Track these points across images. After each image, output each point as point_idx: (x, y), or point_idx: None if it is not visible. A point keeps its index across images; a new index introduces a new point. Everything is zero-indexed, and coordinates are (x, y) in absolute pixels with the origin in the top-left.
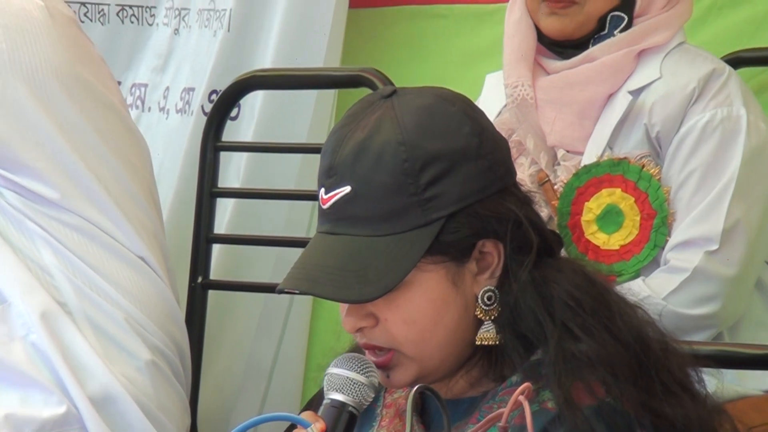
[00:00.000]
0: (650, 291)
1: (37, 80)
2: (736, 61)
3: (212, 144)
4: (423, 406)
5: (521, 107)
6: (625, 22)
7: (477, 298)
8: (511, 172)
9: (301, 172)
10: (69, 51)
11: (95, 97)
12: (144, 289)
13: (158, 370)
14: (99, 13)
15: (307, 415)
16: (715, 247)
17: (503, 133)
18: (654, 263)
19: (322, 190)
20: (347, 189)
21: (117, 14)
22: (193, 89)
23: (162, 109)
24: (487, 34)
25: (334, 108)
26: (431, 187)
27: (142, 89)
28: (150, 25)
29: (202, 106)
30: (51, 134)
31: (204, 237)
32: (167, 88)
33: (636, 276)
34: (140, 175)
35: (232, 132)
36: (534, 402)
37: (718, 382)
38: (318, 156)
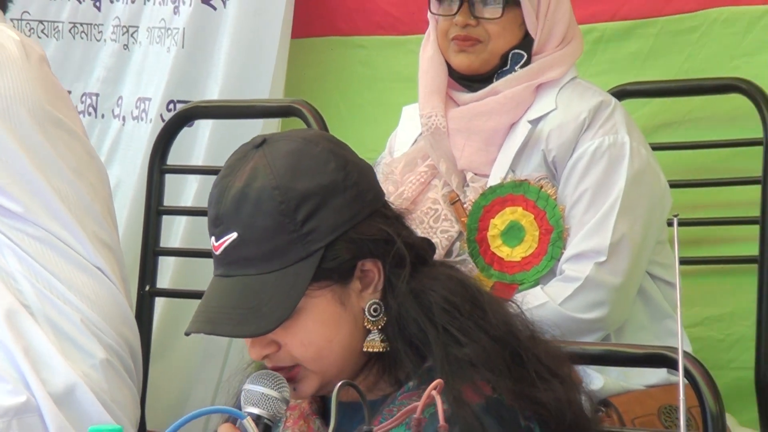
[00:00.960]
0: (548, 297)
1: (8, 108)
2: (622, 93)
3: (158, 167)
4: (324, 408)
5: (435, 135)
6: (524, 59)
7: (364, 311)
8: (379, 195)
9: None
10: (39, 85)
11: (59, 125)
12: (99, 294)
13: (112, 367)
14: (54, 29)
15: (226, 427)
16: (603, 258)
17: (419, 159)
18: (551, 273)
19: (213, 238)
20: (234, 235)
21: (69, 31)
22: (149, 99)
23: (117, 116)
24: (401, 62)
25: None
26: (308, 223)
27: (93, 98)
28: (98, 40)
29: (161, 115)
30: (17, 155)
31: (151, 250)
32: (120, 98)
33: (536, 284)
34: (98, 194)
35: (190, 135)
36: (430, 405)
37: (605, 379)
38: None
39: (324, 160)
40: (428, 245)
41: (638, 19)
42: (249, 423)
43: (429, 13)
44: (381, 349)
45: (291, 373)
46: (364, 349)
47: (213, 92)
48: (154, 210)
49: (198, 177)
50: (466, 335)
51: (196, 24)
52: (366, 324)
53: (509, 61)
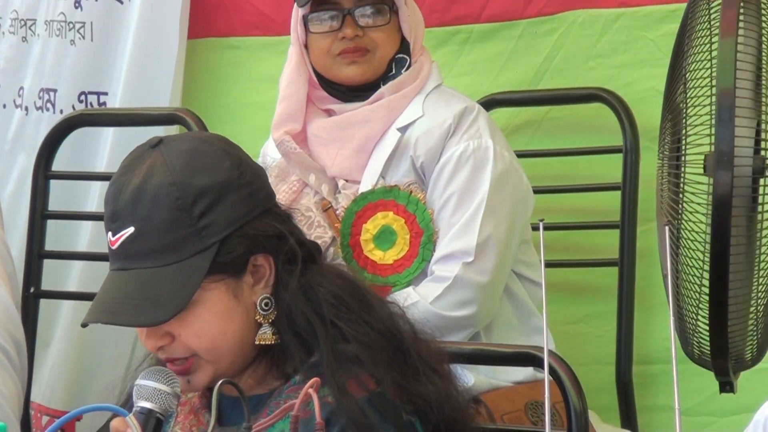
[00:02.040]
0: (419, 297)
1: None
2: (490, 102)
3: (43, 174)
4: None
5: (292, 157)
6: (408, 63)
7: (256, 304)
8: (271, 195)
9: None
10: None
11: None
12: None
13: None
14: None
15: (118, 422)
16: (470, 259)
17: (284, 176)
18: (423, 274)
19: (110, 233)
20: (131, 230)
21: None
22: (54, 90)
23: (19, 106)
24: (273, 62)
25: None
26: (203, 218)
27: None
28: None
29: (73, 105)
30: None
31: (36, 253)
32: (21, 88)
33: (408, 285)
34: None
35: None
36: (309, 401)
37: (475, 376)
38: None
39: (219, 159)
40: (316, 247)
41: (502, 22)
42: (132, 420)
43: (299, 36)
44: (272, 342)
45: (185, 365)
46: (256, 342)
47: (118, 85)
48: (39, 214)
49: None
50: (352, 330)
51: (103, 18)
52: (257, 317)
53: (394, 66)
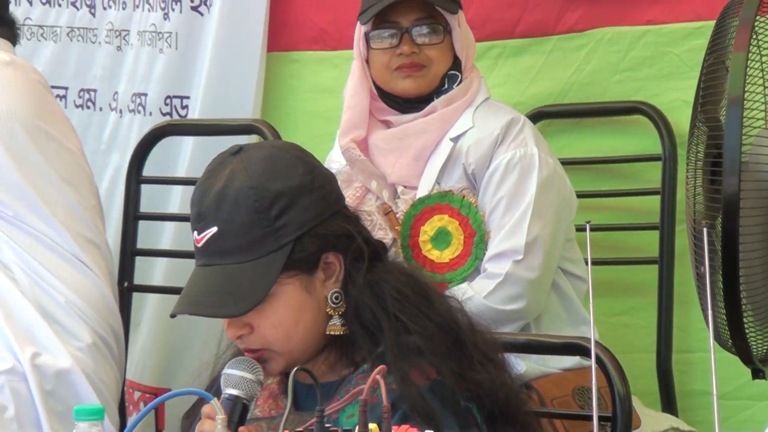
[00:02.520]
0: (474, 292)
1: (2, 124)
2: (539, 114)
3: (135, 179)
4: (293, 390)
5: (356, 164)
6: (459, 78)
7: (327, 298)
8: (341, 198)
9: None
10: (33, 104)
11: (51, 139)
12: (84, 284)
13: (99, 351)
14: (52, 33)
15: (209, 408)
16: (520, 257)
17: (350, 181)
18: (476, 271)
19: (195, 232)
20: (214, 229)
21: (67, 35)
22: (145, 94)
23: (114, 109)
24: (329, 74)
25: None
26: (279, 219)
27: (92, 93)
28: (93, 43)
29: (160, 109)
30: (7, 165)
31: (129, 251)
32: (116, 93)
33: (463, 282)
34: (87, 201)
35: (175, 146)
36: (376, 387)
37: (527, 364)
38: None
39: (294, 165)
40: (382, 246)
41: (534, 37)
42: (216, 403)
43: (361, 51)
44: (341, 332)
45: (257, 355)
46: (327, 332)
47: (205, 91)
48: (132, 216)
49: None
50: (414, 323)
51: (186, 28)
52: (328, 310)
53: (447, 82)
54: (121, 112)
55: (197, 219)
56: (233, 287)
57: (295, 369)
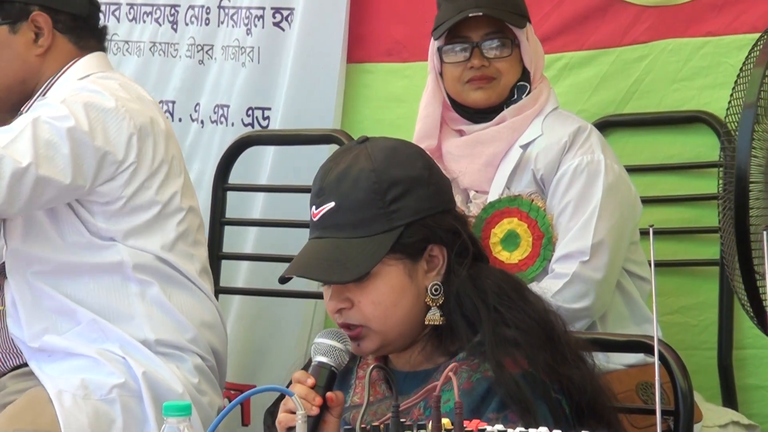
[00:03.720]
0: (542, 291)
1: None
2: (605, 123)
3: (221, 186)
4: (391, 377)
5: None
6: (528, 89)
7: (427, 289)
8: (453, 199)
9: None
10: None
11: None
12: (198, 311)
13: (201, 370)
14: (136, 48)
15: (299, 374)
16: (586, 258)
17: None
18: (544, 272)
19: (313, 207)
20: (332, 204)
21: (149, 49)
22: (227, 106)
23: (195, 120)
24: (400, 84)
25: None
26: (394, 203)
27: (170, 105)
28: (174, 57)
29: (242, 120)
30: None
31: (215, 255)
32: (197, 104)
33: (531, 282)
34: (198, 217)
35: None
36: (477, 372)
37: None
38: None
39: (414, 158)
40: (485, 252)
41: (599, 49)
42: (296, 399)
43: (435, 65)
44: (439, 323)
45: (355, 332)
46: (426, 322)
47: (286, 103)
48: (218, 222)
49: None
50: (512, 316)
51: (268, 42)
52: (427, 300)
53: (516, 92)
54: (202, 122)
55: (317, 194)
56: (341, 258)
57: (371, 368)
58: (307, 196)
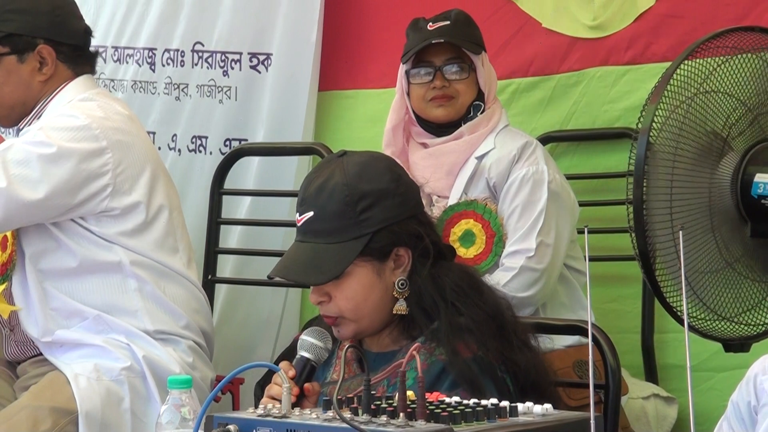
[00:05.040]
0: (493, 282)
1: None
2: (548, 138)
3: (217, 191)
4: (364, 357)
5: None
6: (482, 108)
7: (394, 284)
8: (420, 205)
9: (291, 208)
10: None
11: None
12: (190, 299)
13: (194, 350)
14: (120, 85)
15: (284, 365)
16: (532, 254)
17: None
18: (495, 266)
19: (297, 214)
20: (311, 213)
21: (131, 87)
22: (205, 137)
23: (172, 149)
24: (375, 107)
25: (310, 165)
26: (363, 213)
27: (152, 135)
28: (153, 93)
29: (219, 149)
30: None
31: (212, 250)
32: (174, 135)
33: (484, 274)
34: (184, 221)
35: (244, 165)
36: (432, 356)
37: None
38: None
39: (383, 173)
40: (449, 249)
41: (542, 76)
42: (282, 374)
43: (402, 86)
44: (405, 312)
45: (332, 320)
46: (393, 312)
47: (259, 133)
48: (214, 222)
49: (248, 197)
50: (466, 308)
51: (245, 83)
52: (394, 293)
53: (472, 110)
54: (179, 151)
55: (300, 203)
56: (318, 262)
57: (346, 347)
58: (286, 200)
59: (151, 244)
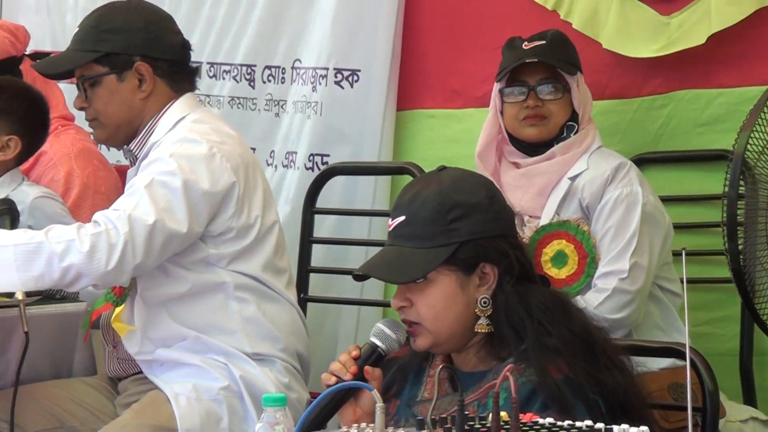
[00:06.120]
0: (586, 304)
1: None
2: (641, 160)
3: (309, 210)
4: (456, 377)
5: None
6: (576, 128)
7: (477, 301)
8: (512, 228)
9: (371, 227)
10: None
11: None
12: (287, 322)
13: (290, 371)
14: (217, 102)
15: (351, 346)
16: (625, 276)
17: None
18: (587, 287)
19: (390, 219)
20: (403, 218)
21: (228, 103)
22: (295, 152)
23: (270, 165)
24: (457, 128)
25: (390, 186)
26: (453, 223)
27: (253, 151)
28: (252, 110)
29: (305, 164)
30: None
31: (305, 269)
32: (272, 151)
33: (576, 295)
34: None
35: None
36: (523, 376)
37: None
38: (377, 218)
39: (478, 188)
40: (541, 278)
41: (620, 99)
42: (375, 393)
43: (496, 104)
44: (486, 330)
45: (412, 329)
46: (476, 330)
47: (340, 149)
48: (306, 240)
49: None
50: (554, 328)
51: (329, 98)
52: (476, 311)
53: (565, 131)
54: (275, 167)
55: (394, 209)
56: (403, 263)
57: (440, 367)
58: (365, 219)
59: (259, 265)
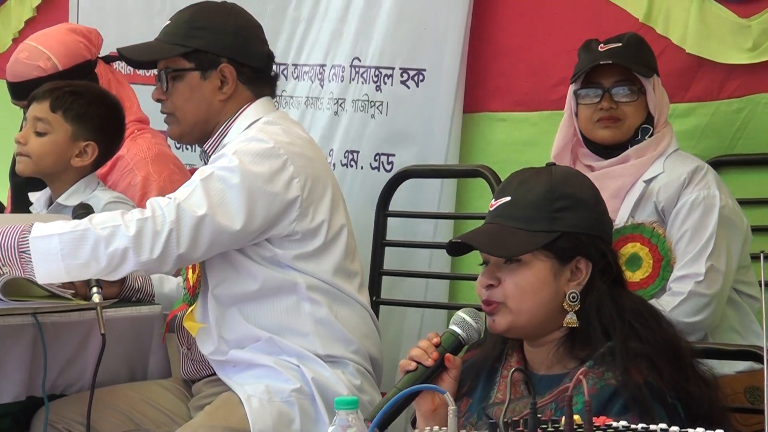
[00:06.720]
0: (661, 307)
1: None
2: (718, 162)
3: (381, 212)
4: (530, 379)
5: None
6: (650, 131)
7: (566, 294)
8: (610, 234)
9: (436, 229)
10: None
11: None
12: (359, 325)
13: (362, 373)
14: (296, 102)
15: (431, 333)
16: (701, 279)
17: None
18: (662, 290)
19: (493, 200)
20: (508, 198)
21: (304, 103)
22: (357, 151)
23: (329, 163)
24: (529, 131)
25: (455, 188)
26: (559, 212)
27: None
28: (319, 109)
29: (370, 164)
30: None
31: (378, 272)
32: (331, 149)
33: (651, 299)
34: (353, 237)
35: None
36: (601, 380)
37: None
38: (443, 221)
39: (589, 186)
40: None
41: (698, 102)
42: (448, 397)
43: (571, 106)
44: (574, 325)
45: (492, 307)
46: (564, 324)
47: (407, 149)
48: (380, 243)
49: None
50: (643, 333)
51: (395, 98)
52: (564, 305)
53: (640, 134)
54: (334, 165)
55: (499, 191)
56: (503, 239)
57: (512, 370)
58: (431, 222)
59: (329, 268)
